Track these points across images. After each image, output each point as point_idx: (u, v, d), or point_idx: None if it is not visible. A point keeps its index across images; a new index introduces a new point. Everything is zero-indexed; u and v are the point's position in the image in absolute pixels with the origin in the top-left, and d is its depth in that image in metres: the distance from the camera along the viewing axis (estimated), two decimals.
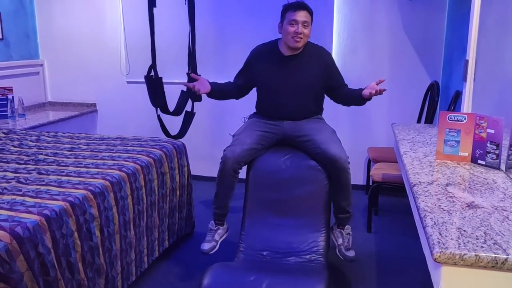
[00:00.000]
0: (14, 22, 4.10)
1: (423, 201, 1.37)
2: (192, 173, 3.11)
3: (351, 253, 2.43)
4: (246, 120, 2.71)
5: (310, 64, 2.54)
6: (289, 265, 2.26)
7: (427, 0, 3.50)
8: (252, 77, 2.62)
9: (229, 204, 2.54)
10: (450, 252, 1.05)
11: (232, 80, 2.72)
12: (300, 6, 2.46)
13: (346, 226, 2.50)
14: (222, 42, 3.99)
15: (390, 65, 3.78)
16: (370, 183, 3.46)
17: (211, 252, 2.43)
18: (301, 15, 2.43)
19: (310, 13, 2.48)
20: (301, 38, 2.45)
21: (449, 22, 3.57)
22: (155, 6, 3.13)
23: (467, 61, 2.24)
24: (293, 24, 2.43)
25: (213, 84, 2.60)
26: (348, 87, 2.64)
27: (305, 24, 2.44)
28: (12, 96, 3.77)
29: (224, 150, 2.46)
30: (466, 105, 2.20)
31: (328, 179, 2.44)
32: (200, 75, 2.82)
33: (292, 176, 2.48)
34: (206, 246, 2.44)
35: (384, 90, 2.34)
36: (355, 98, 2.53)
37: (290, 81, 2.53)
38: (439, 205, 1.33)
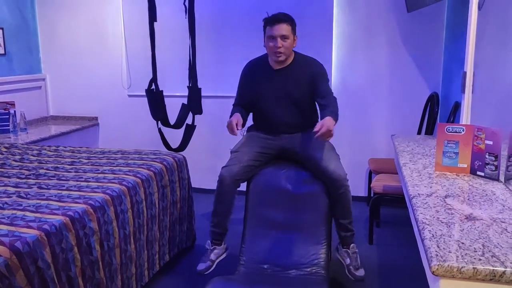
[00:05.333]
0: (17, 37, 4.14)
1: (421, 213, 1.37)
2: (192, 186, 3.12)
3: (360, 272, 2.36)
4: (244, 134, 2.72)
5: (299, 76, 2.51)
6: (290, 278, 2.25)
7: (425, 13, 3.52)
8: (249, 92, 2.62)
9: (228, 223, 2.50)
10: (448, 265, 1.04)
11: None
12: (277, 19, 2.40)
13: (352, 245, 2.45)
14: (222, 56, 4.02)
15: (390, 77, 3.79)
16: (371, 195, 3.45)
17: (206, 273, 2.38)
18: (279, 29, 2.38)
19: (290, 23, 2.42)
20: (282, 52, 2.41)
21: (448, 34, 3.60)
22: (156, 21, 3.17)
23: (465, 73, 2.25)
24: (271, 39, 2.40)
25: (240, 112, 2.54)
26: (329, 105, 2.41)
27: (284, 38, 2.39)
28: (14, 111, 3.79)
29: (222, 169, 2.46)
30: (465, 116, 2.21)
31: (327, 192, 2.44)
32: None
33: (291, 189, 2.48)
34: (201, 266, 2.41)
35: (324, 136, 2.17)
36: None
37: (281, 94, 2.52)
38: (438, 217, 1.33)
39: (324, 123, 2.19)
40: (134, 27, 4.11)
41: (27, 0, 4.25)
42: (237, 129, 2.39)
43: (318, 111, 2.61)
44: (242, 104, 2.65)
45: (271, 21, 2.41)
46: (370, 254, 2.99)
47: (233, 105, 2.71)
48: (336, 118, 2.32)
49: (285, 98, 2.53)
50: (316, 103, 2.57)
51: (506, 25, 2.15)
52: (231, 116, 2.54)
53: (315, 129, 2.19)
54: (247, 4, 3.88)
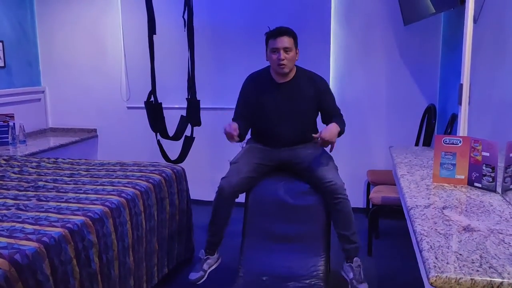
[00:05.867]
0: (17, 50, 4.17)
1: (419, 224, 1.38)
2: (191, 198, 3.12)
3: (363, 286, 2.31)
4: (244, 146, 2.73)
5: (303, 90, 2.54)
6: None
7: (422, 26, 3.56)
8: (250, 106, 2.63)
9: (224, 233, 2.51)
10: (446, 276, 1.05)
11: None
12: (280, 32, 2.45)
13: (355, 258, 2.38)
14: (221, 68, 4.04)
15: (387, 89, 3.82)
16: (370, 206, 3.45)
17: (198, 283, 2.39)
18: (282, 41, 2.43)
19: (292, 36, 2.47)
20: (285, 64, 2.45)
21: (444, 46, 3.63)
22: (155, 34, 3.19)
23: (461, 85, 2.28)
24: (275, 51, 2.44)
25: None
26: (337, 117, 2.54)
27: (287, 50, 2.44)
28: (14, 123, 3.80)
29: (221, 180, 2.47)
30: (462, 128, 2.23)
31: (326, 204, 2.44)
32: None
33: (290, 201, 2.48)
34: (193, 275, 2.41)
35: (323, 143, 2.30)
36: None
37: (285, 108, 2.54)
38: (436, 229, 1.34)
39: (328, 129, 2.32)
40: (134, 40, 4.15)
41: (27, 14, 4.29)
42: (236, 137, 2.36)
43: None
44: (243, 118, 2.65)
45: (274, 34, 2.46)
46: (369, 266, 2.98)
47: (233, 119, 2.71)
48: (341, 128, 2.44)
49: (287, 112, 2.54)
50: (320, 117, 2.65)
51: (501, 38, 2.18)
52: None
53: (318, 135, 2.28)
54: (246, 17, 3.92)
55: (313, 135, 2.33)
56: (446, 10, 3.15)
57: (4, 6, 4.02)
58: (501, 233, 1.29)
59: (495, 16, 2.28)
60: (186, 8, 3.22)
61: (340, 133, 2.45)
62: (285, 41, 2.44)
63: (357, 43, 3.82)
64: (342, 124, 2.49)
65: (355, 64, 3.85)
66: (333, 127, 2.37)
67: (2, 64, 4.00)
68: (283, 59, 2.43)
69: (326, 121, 2.62)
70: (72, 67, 4.39)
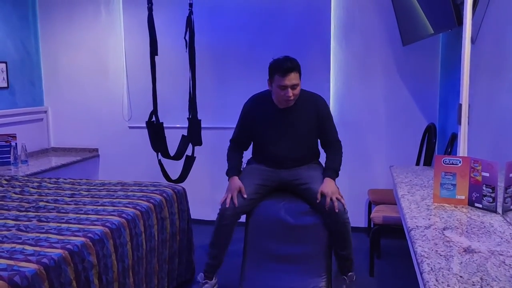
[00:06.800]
0: (20, 71, 4.22)
1: (420, 246, 1.37)
2: (192, 217, 3.11)
3: None
4: (244, 166, 2.73)
5: (305, 115, 2.54)
6: None
7: (420, 46, 3.60)
8: (250, 129, 2.64)
9: (224, 256, 2.50)
10: None
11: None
12: (287, 69, 2.34)
13: (350, 273, 2.44)
14: (221, 88, 4.08)
15: (387, 108, 3.84)
16: (371, 226, 3.44)
17: None
18: (290, 79, 2.35)
19: (298, 70, 2.40)
20: (292, 99, 2.43)
21: (443, 66, 3.67)
22: (157, 55, 3.23)
23: (460, 105, 2.29)
24: (283, 89, 2.38)
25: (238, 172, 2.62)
26: (333, 149, 2.63)
27: (295, 86, 2.39)
28: (16, 143, 3.82)
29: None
30: (462, 148, 2.23)
31: (326, 224, 2.43)
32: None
33: (291, 221, 2.48)
34: None
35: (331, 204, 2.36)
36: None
37: (286, 132, 2.55)
38: (436, 250, 1.33)
39: (325, 185, 2.40)
40: (136, 60, 4.19)
41: (30, 35, 4.35)
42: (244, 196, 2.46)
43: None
44: (242, 139, 2.67)
45: (282, 71, 2.35)
46: (371, 287, 2.95)
47: (232, 140, 2.73)
48: (337, 171, 2.55)
49: (289, 135, 2.55)
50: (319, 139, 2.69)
51: (499, 58, 2.20)
52: (229, 164, 2.61)
53: (319, 196, 2.37)
54: (246, 38, 3.97)
55: (317, 200, 2.38)
56: (444, 31, 3.18)
57: (8, 28, 4.08)
58: (502, 255, 1.29)
59: (492, 36, 2.31)
60: (188, 29, 3.26)
61: (337, 175, 2.55)
62: (293, 78, 2.36)
63: (357, 63, 3.86)
64: (336, 163, 2.57)
65: (355, 83, 3.88)
66: (329, 182, 2.44)
67: (6, 85, 4.04)
68: (291, 96, 2.39)
69: (323, 145, 2.67)
70: (75, 87, 4.43)
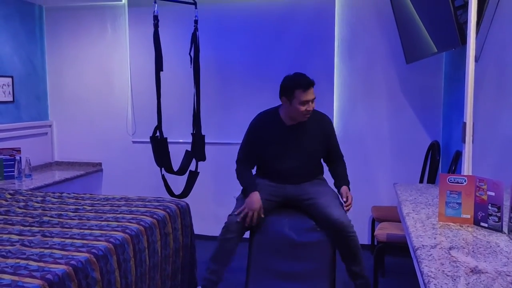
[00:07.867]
0: (26, 85, 4.26)
1: (426, 265, 1.36)
2: (195, 232, 3.10)
3: None
4: None
5: (312, 131, 2.58)
6: None
7: (424, 64, 3.63)
8: (258, 145, 2.65)
9: (224, 272, 2.48)
10: None
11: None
12: (309, 84, 2.43)
13: None
14: (226, 104, 4.10)
15: (391, 125, 3.85)
16: (375, 243, 3.42)
17: None
18: (311, 93, 2.44)
19: (314, 85, 2.50)
20: (310, 112, 2.50)
21: (446, 84, 3.68)
22: (162, 70, 3.26)
23: (465, 123, 2.30)
24: (305, 104, 2.44)
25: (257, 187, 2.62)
26: (339, 163, 2.75)
27: (313, 100, 2.48)
28: (20, 157, 3.84)
29: (228, 216, 2.46)
30: (466, 167, 2.23)
31: (332, 241, 2.43)
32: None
33: (295, 238, 2.47)
34: None
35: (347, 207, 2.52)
36: (335, 181, 2.71)
37: (293, 149, 2.56)
38: (443, 270, 1.32)
39: (345, 191, 2.60)
40: (140, 76, 4.23)
41: (37, 49, 4.40)
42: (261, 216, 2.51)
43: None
44: (250, 157, 2.67)
45: (304, 86, 2.42)
46: None
47: (239, 161, 2.71)
48: (349, 183, 2.71)
49: (297, 152, 2.57)
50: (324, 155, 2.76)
51: (503, 76, 2.22)
52: (245, 181, 2.62)
53: (344, 199, 2.56)
54: (250, 55, 4.01)
55: (344, 203, 2.55)
56: (448, 50, 3.21)
57: (15, 42, 4.13)
58: (508, 275, 1.28)
59: (496, 55, 2.33)
60: (193, 46, 3.30)
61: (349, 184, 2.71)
62: (312, 92, 2.46)
63: (360, 80, 3.88)
64: (346, 174, 2.73)
65: (359, 101, 3.89)
66: (346, 189, 2.64)
67: (11, 99, 4.07)
68: (311, 110, 2.47)
69: (327, 161, 2.73)
70: (80, 101, 4.46)
